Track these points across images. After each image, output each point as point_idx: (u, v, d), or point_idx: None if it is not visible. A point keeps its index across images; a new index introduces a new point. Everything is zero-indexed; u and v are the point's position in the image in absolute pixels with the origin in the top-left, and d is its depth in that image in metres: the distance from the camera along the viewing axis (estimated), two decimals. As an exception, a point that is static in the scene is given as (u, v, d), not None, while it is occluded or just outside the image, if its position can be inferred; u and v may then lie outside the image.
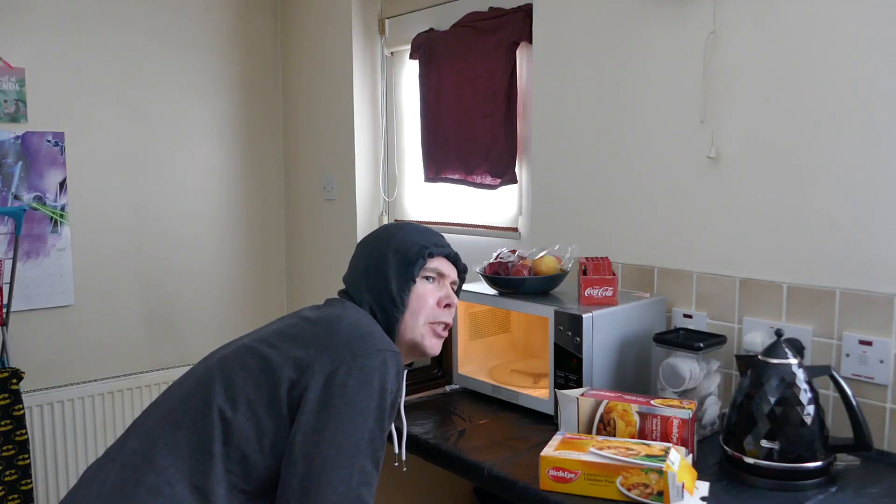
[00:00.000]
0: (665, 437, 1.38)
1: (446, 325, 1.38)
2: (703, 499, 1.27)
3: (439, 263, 1.37)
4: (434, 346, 1.37)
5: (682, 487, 1.23)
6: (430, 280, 1.36)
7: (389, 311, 1.31)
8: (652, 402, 1.42)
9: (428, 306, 1.34)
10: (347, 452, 1.10)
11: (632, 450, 1.29)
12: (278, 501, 1.11)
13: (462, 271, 1.44)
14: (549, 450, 1.31)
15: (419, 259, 1.33)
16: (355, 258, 1.40)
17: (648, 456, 1.26)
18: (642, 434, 1.40)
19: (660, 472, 1.22)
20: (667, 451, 1.27)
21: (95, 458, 2.75)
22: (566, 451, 1.30)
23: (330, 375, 1.13)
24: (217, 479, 1.10)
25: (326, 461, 1.09)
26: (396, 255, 1.33)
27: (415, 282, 1.33)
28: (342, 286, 1.39)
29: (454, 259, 1.41)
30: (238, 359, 1.20)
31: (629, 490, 1.24)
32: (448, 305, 1.37)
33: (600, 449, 1.29)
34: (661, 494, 1.22)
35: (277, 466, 1.12)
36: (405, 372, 1.24)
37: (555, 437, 1.38)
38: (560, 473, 1.28)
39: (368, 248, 1.39)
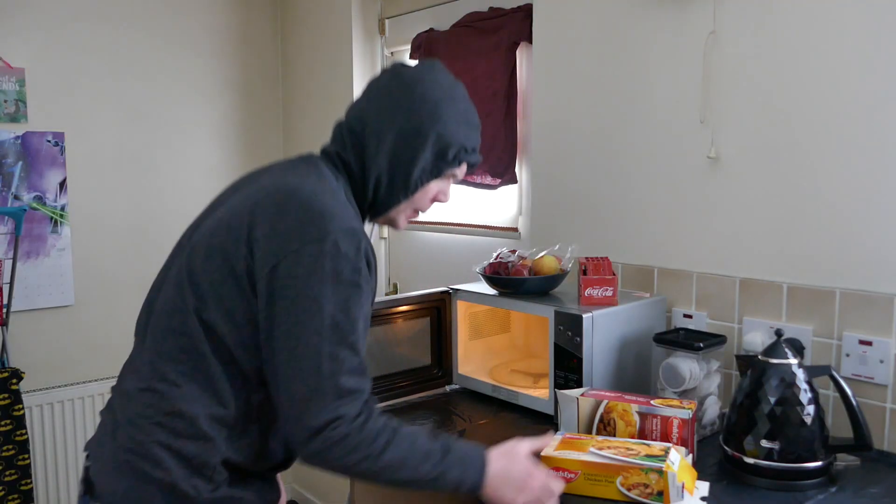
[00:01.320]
0: (665, 437, 1.38)
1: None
2: (703, 499, 1.27)
3: (461, 170, 1.29)
4: (403, 226, 1.33)
5: (682, 487, 1.23)
6: (445, 178, 1.28)
7: (394, 189, 1.23)
8: (652, 402, 1.42)
9: (427, 200, 1.29)
10: (309, 342, 1.06)
11: (632, 450, 1.29)
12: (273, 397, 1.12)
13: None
14: (550, 450, 1.31)
15: (455, 162, 1.25)
16: (384, 102, 1.24)
17: (648, 456, 1.26)
18: (642, 434, 1.40)
19: (660, 472, 1.22)
20: (667, 451, 1.27)
21: (95, 458, 2.77)
22: (567, 451, 1.30)
23: (276, 266, 1.08)
24: (218, 376, 1.13)
25: (291, 354, 1.07)
26: (437, 143, 1.22)
27: (437, 178, 1.26)
28: None
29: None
30: (202, 253, 1.17)
31: (629, 490, 1.24)
32: (435, 200, 1.32)
33: (600, 449, 1.29)
34: (661, 494, 1.22)
35: (254, 355, 1.13)
36: (366, 242, 1.13)
37: (555, 436, 1.38)
38: (561, 473, 1.28)
39: (407, 109, 1.22)
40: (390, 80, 1.26)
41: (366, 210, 1.28)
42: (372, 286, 1.15)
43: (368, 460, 1.08)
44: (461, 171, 1.29)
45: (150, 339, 1.19)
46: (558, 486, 1.24)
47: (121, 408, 1.18)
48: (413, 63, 1.26)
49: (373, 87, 1.28)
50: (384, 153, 1.21)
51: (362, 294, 1.10)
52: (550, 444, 1.33)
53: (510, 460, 1.21)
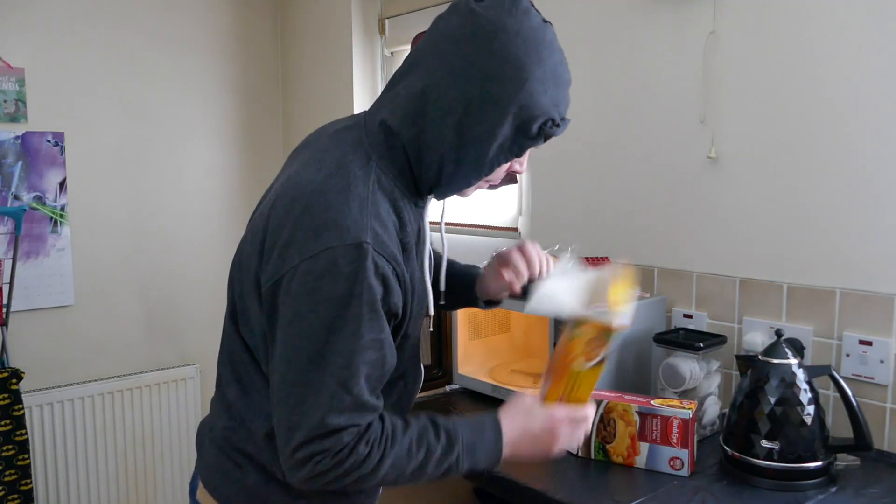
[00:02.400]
0: (665, 438, 1.38)
1: None
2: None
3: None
4: (465, 196, 1.14)
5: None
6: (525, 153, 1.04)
7: (463, 170, 1.01)
8: (652, 402, 1.42)
9: (501, 174, 1.09)
10: (298, 369, 0.95)
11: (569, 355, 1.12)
12: None
13: None
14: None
15: (540, 137, 1.00)
16: (453, 58, 0.97)
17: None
18: (642, 434, 1.40)
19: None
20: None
21: (95, 458, 2.77)
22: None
23: (276, 283, 0.97)
24: (261, 390, 1.07)
25: (282, 378, 0.97)
26: (519, 115, 0.97)
27: (518, 157, 1.03)
28: None
29: None
30: (238, 260, 1.11)
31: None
32: (510, 171, 1.11)
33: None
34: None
35: None
36: (383, 258, 0.97)
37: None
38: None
39: (481, 71, 0.95)
40: (462, 26, 0.98)
41: (424, 187, 1.07)
42: (392, 305, 1.00)
43: (364, 479, 1.00)
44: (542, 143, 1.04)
45: (222, 344, 1.17)
46: (585, 414, 1.11)
47: (213, 403, 1.19)
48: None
49: (441, 33, 1.01)
50: (450, 126, 0.98)
51: (363, 322, 0.94)
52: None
53: (526, 419, 1.09)
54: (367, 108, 1.13)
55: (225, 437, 1.13)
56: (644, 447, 1.41)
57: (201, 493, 1.17)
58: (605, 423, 1.44)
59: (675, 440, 1.38)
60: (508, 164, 1.06)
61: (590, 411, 1.13)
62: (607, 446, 1.45)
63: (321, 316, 0.94)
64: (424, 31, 1.07)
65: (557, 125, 1.02)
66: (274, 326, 0.99)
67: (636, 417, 1.41)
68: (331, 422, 0.94)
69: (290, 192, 1.00)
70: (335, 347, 0.94)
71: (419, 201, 1.10)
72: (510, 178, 2.52)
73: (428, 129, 1.00)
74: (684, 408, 1.39)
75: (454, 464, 1.04)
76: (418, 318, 1.15)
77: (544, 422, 1.09)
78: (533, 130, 0.99)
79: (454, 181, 1.04)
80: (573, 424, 1.10)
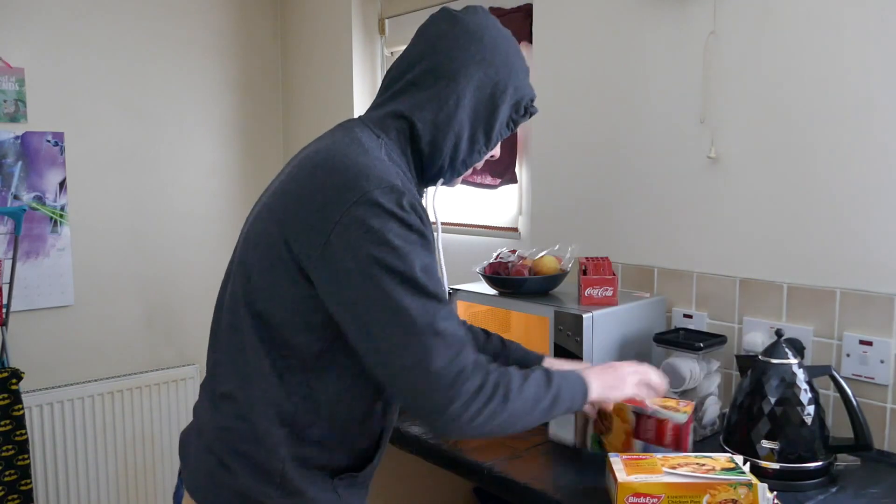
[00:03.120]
0: (658, 439, 1.37)
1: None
2: None
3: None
4: (455, 184, 1.24)
5: (774, 498, 1.20)
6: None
7: (475, 147, 1.15)
8: (648, 402, 1.41)
9: (485, 157, 1.21)
10: (389, 307, 0.98)
11: (703, 465, 1.24)
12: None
13: None
14: (623, 475, 1.23)
15: (526, 115, 1.18)
16: (455, 53, 1.11)
17: (725, 469, 1.22)
18: (637, 433, 1.38)
19: (749, 485, 1.17)
20: (735, 463, 1.24)
21: (95, 458, 2.77)
22: (641, 475, 1.23)
23: (326, 244, 1.00)
24: (273, 372, 1.07)
25: (382, 329, 0.99)
26: (514, 95, 1.15)
27: (510, 133, 1.18)
28: None
29: None
30: (252, 242, 1.11)
31: None
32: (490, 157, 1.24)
33: (673, 468, 1.24)
34: None
35: (317, 337, 1.06)
36: (411, 197, 1.03)
37: (612, 458, 1.31)
38: (641, 500, 1.21)
39: (482, 60, 1.12)
40: (453, 28, 1.13)
41: (431, 171, 1.17)
42: (430, 237, 1.05)
43: (505, 408, 1.03)
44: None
45: (217, 339, 1.17)
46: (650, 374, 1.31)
47: (200, 408, 1.18)
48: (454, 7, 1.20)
49: (432, 35, 1.15)
50: (465, 108, 1.11)
51: (419, 244, 1.01)
52: (618, 468, 1.27)
53: (609, 372, 1.27)
54: (365, 111, 1.21)
55: (217, 438, 1.12)
56: (638, 444, 1.40)
57: (187, 501, 1.16)
58: (601, 416, 1.43)
59: (668, 441, 1.36)
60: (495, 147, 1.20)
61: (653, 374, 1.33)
62: (602, 437, 1.44)
63: (385, 253, 0.98)
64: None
65: (533, 105, 1.19)
66: (340, 289, 1.00)
67: (631, 416, 1.40)
68: (444, 329, 0.99)
69: (308, 164, 1.06)
70: (411, 271, 0.98)
71: (420, 189, 1.18)
72: (510, 178, 2.53)
73: (442, 113, 1.11)
74: (680, 410, 1.37)
75: (557, 395, 1.12)
76: None
77: (622, 373, 1.29)
78: (522, 108, 1.16)
79: (467, 160, 1.15)
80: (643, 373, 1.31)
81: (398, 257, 0.98)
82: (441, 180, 1.19)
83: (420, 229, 1.01)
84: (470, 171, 1.21)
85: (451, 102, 1.11)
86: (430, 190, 1.23)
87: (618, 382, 1.26)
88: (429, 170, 1.16)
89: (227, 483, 1.10)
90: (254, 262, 1.08)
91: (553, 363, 1.42)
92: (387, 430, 1.22)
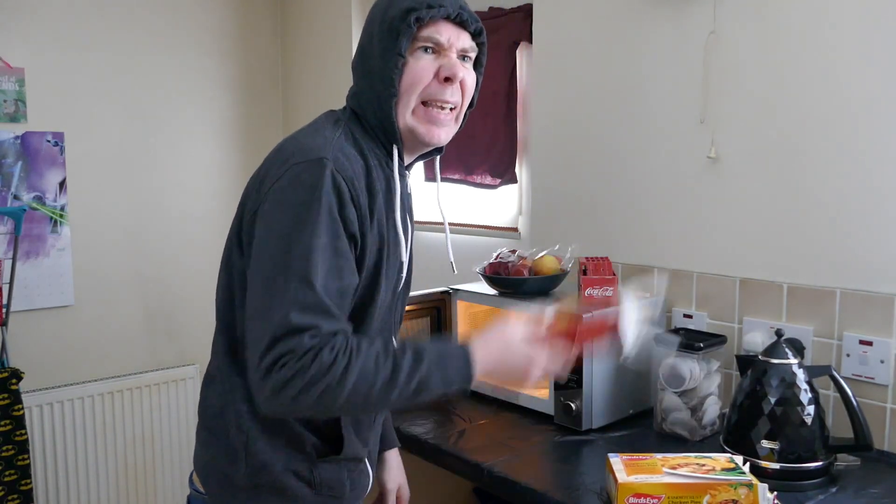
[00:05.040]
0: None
1: (448, 106, 1.12)
2: None
3: (436, 29, 1.08)
4: (431, 133, 1.12)
5: (774, 498, 1.20)
6: (429, 52, 1.09)
7: (382, 95, 1.09)
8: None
9: (420, 83, 1.09)
10: (265, 275, 0.99)
11: (704, 465, 1.24)
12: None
13: (476, 34, 1.13)
14: (623, 476, 1.23)
15: (405, 28, 1.06)
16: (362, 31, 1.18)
17: (725, 470, 1.22)
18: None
19: (749, 485, 1.18)
20: (736, 464, 1.24)
21: (95, 458, 2.77)
22: (640, 475, 1.23)
23: (255, 212, 1.05)
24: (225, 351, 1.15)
25: (252, 291, 1.01)
26: (382, 25, 1.09)
27: (403, 56, 1.07)
28: None
29: (460, 21, 1.10)
30: (229, 236, 1.16)
31: None
32: (448, 79, 1.10)
33: (673, 468, 1.24)
34: None
35: None
36: (343, 176, 1.02)
37: (612, 458, 1.30)
38: (642, 500, 1.20)
39: (367, 19, 1.15)
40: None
41: (392, 145, 1.15)
42: (348, 220, 1.02)
43: (329, 392, 0.95)
44: (434, 31, 1.08)
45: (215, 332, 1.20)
46: (568, 351, 1.13)
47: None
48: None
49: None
50: (361, 75, 1.15)
51: (320, 224, 0.99)
52: (618, 469, 1.25)
53: (504, 351, 1.10)
54: None
55: (203, 411, 1.19)
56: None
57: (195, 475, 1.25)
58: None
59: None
60: (422, 70, 1.09)
61: (571, 354, 1.14)
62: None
63: (284, 222, 1.00)
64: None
65: (422, 9, 1.07)
66: (250, 236, 1.05)
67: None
68: (293, 319, 0.95)
69: (268, 157, 1.11)
70: (296, 249, 0.98)
71: (388, 161, 1.15)
72: (510, 178, 2.53)
73: (358, 90, 1.16)
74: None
75: (425, 378, 1.01)
76: (391, 274, 1.14)
77: (521, 359, 1.10)
78: (395, 26, 1.07)
79: (384, 108, 1.10)
80: (552, 357, 1.12)
81: (288, 233, 0.99)
82: (402, 155, 1.17)
83: (327, 207, 0.99)
84: (411, 112, 1.12)
85: (359, 74, 1.16)
86: (433, 188, 1.23)
87: (511, 365, 1.11)
88: (386, 139, 1.15)
89: (203, 459, 1.18)
90: (230, 257, 1.14)
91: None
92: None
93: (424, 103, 1.11)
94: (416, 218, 1.30)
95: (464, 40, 1.11)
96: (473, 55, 1.15)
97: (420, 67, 1.09)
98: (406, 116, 1.11)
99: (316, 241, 0.98)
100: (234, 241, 1.12)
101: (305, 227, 0.98)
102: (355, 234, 1.04)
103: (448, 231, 1.35)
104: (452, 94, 1.11)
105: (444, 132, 1.14)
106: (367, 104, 1.14)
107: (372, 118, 1.13)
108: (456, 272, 1.34)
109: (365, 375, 0.97)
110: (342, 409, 1.01)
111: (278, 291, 0.97)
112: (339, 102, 1.25)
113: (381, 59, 1.08)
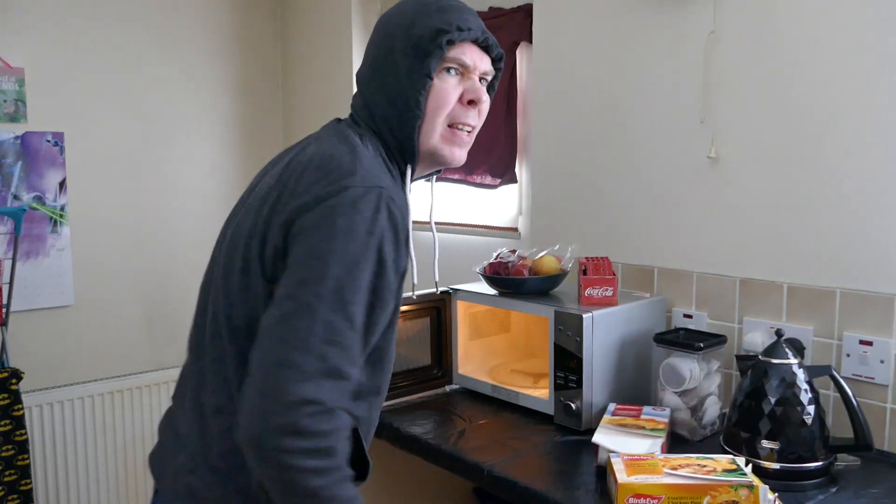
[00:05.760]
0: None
1: (471, 129, 1.14)
2: None
3: (462, 51, 1.09)
4: (454, 155, 1.13)
5: (775, 500, 1.20)
6: (453, 73, 1.09)
7: (406, 116, 1.08)
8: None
9: (447, 105, 1.09)
10: (304, 302, 0.90)
11: (704, 466, 1.24)
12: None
13: (496, 59, 1.15)
14: (623, 476, 1.23)
15: (436, 49, 1.06)
16: (368, 45, 1.15)
17: (726, 471, 1.22)
18: None
19: (750, 486, 1.18)
20: (737, 465, 1.24)
21: (95, 458, 2.77)
22: (641, 475, 1.23)
23: (288, 223, 0.96)
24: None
25: (283, 315, 0.90)
26: (406, 42, 1.07)
27: (431, 78, 1.07)
28: None
29: (485, 44, 1.11)
30: (233, 246, 1.07)
31: None
32: (472, 102, 1.11)
33: (674, 469, 1.24)
34: None
35: None
36: (397, 208, 0.98)
37: (613, 459, 1.30)
38: (642, 501, 1.20)
39: (381, 33, 1.12)
40: (373, 31, 1.17)
41: (406, 164, 1.13)
42: (399, 263, 0.98)
43: (327, 474, 0.88)
44: (461, 53, 1.09)
45: (204, 349, 1.09)
46: None
47: (183, 425, 1.11)
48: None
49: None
50: (376, 90, 1.11)
51: (375, 263, 0.94)
52: (619, 469, 1.24)
53: None
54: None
55: (204, 446, 1.05)
56: None
57: None
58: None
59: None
60: (448, 93, 1.09)
61: None
62: None
63: (337, 249, 0.91)
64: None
65: (453, 31, 1.07)
66: (281, 263, 0.96)
67: None
68: (333, 361, 0.89)
69: (298, 167, 1.02)
70: (345, 282, 0.91)
71: (401, 180, 1.13)
72: (510, 178, 2.53)
73: (372, 105, 1.12)
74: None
75: None
76: (396, 314, 1.07)
77: None
78: (425, 46, 1.06)
79: (405, 129, 1.08)
80: None
81: (342, 264, 0.91)
82: (413, 173, 1.14)
83: (385, 245, 0.94)
84: (438, 134, 1.11)
85: (374, 89, 1.12)
86: (427, 188, 1.23)
87: None
88: (405, 163, 1.12)
89: (207, 500, 1.05)
90: (232, 268, 1.05)
91: None
92: (368, 433, 1.13)
93: (450, 125, 1.12)
94: (414, 218, 1.25)
95: (486, 64, 1.13)
96: (490, 79, 1.16)
97: (445, 89, 1.09)
98: (433, 139, 1.11)
99: (366, 281, 0.93)
100: (256, 248, 1.01)
101: (362, 264, 0.92)
102: (403, 273, 1.00)
103: (437, 248, 1.31)
104: (475, 117, 1.13)
105: (464, 153, 1.16)
106: (383, 122, 1.11)
107: (389, 136, 1.11)
108: (438, 292, 1.30)
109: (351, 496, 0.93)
110: (300, 493, 0.89)
111: (322, 324, 0.89)
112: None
113: (408, 78, 1.07)
